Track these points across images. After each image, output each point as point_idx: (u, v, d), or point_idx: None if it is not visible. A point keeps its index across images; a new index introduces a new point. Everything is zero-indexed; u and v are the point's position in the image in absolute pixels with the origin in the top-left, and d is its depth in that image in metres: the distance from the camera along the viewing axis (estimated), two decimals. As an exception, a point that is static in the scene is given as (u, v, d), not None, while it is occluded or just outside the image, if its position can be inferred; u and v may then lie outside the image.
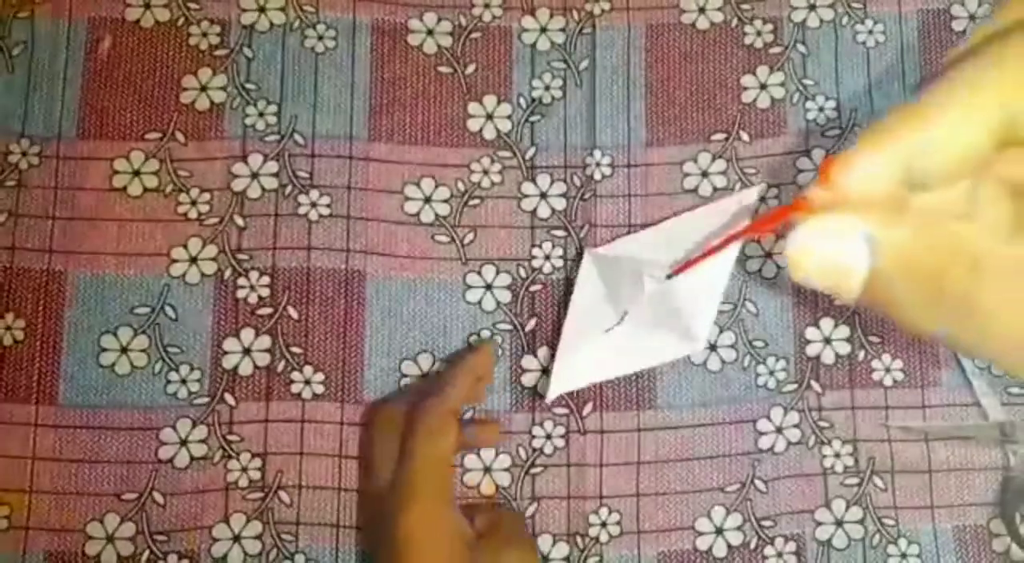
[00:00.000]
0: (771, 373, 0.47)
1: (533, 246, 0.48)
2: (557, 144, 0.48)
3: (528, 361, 0.47)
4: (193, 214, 0.47)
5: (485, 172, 0.48)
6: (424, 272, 0.47)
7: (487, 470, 0.46)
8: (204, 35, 0.49)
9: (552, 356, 0.46)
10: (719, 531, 0.46)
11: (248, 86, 0.48)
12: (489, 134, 0.48)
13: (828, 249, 0.21)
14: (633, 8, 0.50)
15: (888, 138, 0.20)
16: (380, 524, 0.41)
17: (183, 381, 0.46)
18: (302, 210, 0.47)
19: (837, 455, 0.46)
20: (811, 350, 0.47)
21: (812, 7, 0.50)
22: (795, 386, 0.47)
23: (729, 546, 0.45)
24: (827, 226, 0.20)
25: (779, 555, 0.45)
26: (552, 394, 0.45)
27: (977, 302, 0.19)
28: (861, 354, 0.47)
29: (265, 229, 0.47)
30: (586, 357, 0.45)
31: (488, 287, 0.47)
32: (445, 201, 0.48)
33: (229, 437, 0.45)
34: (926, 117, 0.20)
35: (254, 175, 0.47)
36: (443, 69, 0.49)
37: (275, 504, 0.45)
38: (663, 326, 0.45)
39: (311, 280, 0.47)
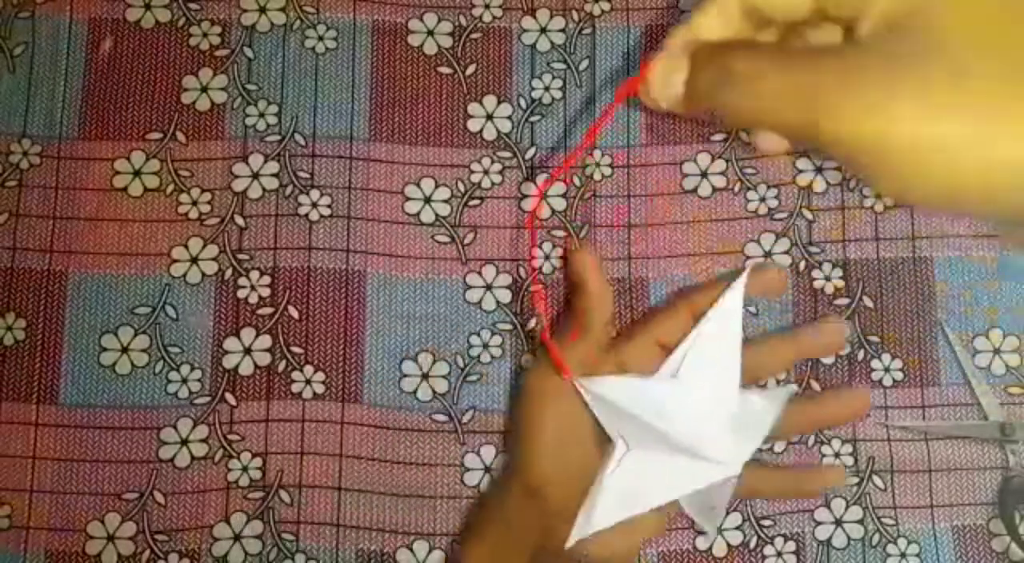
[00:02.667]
0: (771, 373, 0.47)
1: (533, 246, 0.48)
2: (557, 144, 0.49)
3: (528, 361, 0.47)
4: (194, 214, 0.47)
5: (485, 172, 0.48)
6: (424, 272, 0.47)
7: (487, 470, 0.46)
8: (205, 35, 0.49)
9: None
10: (719, 530, 0.46)
11: (249, 86, 0.48)
12: (489, 134, 0.49)
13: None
14: (633, 9, 0.50)
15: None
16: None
17: (184, 381, 0.46)
18: (303, 210, 0.47)
19: (836, 455, 0.46)
20: (811, 350, 0.47)
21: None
22: (794, 386, 0.47)
23: (729, 545, 0.46)
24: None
25: (779, 555, 0.45)
26: (571, 541, 0.40)
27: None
28: (860, 354, 0.47)
29: (266, 229, 0.47)
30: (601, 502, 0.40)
31: (488, 287, 0.47)
32: (445, 201, 0.48)
33: (230, 436, 0.45)
34: None
35: (255, 175, 0.47)
36: (443, 69, 0.49)
37: (276, 503, 0.45)
38: (679, 453, 0.40)
39: (311, 280, 0.47)
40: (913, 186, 0.25)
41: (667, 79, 0.31)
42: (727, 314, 0.40)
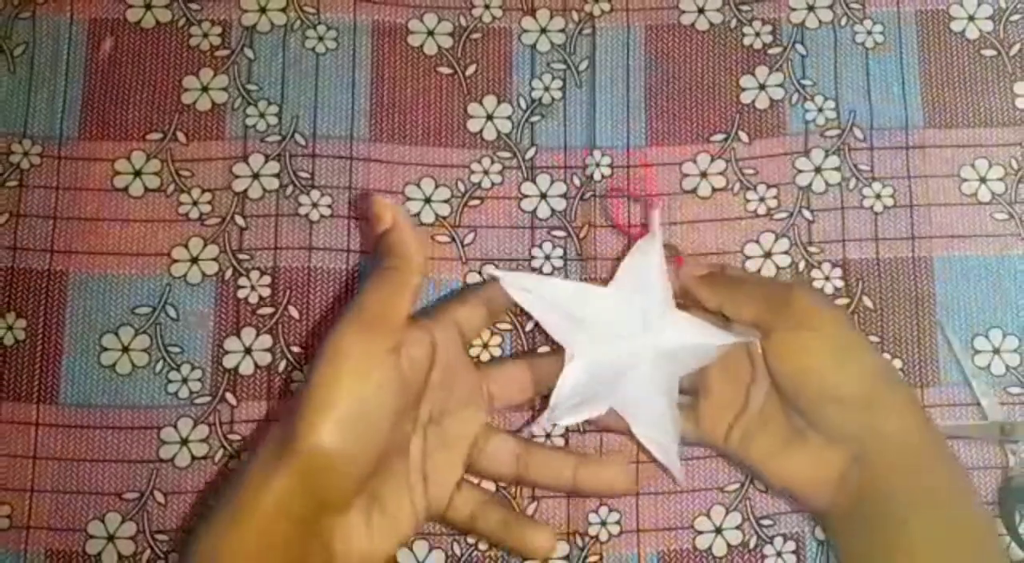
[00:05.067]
0: (771, 373, 0.47)
1: (533, 246, 0.48)
2: (557, 144, 0.49)
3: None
4: (194, 214, 0.47)
5: (485, 172, 0.48)
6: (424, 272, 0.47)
7: (487, 469, 0.46)
8: (205, 36, 0.49)
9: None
10: (718, 530, 0.46)
11: (249, 87, 0.48)
12: (489, 134, 0.49)
13: None
14: (633, 9, 0.50)
15: None
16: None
17: (184, 380, 0.46)
18: (303, 210, 0.47)
19: (837, 454, 0.46)
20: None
21: (811, 8, 0.50)
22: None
23: (728, 545, 0.46)
24: None
25: (778, 554, 0.45)
26: (536, 430, 0.45)
27: None
28: (860, 354, 0.47)
29: (266, 229, 0.47)
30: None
31: (488, 287, 0.47)
32: (445, 201, 0.48)
33: (230, 436, 0.45)
34: None
35: (255, 175, 0.48)
36: (443, 70, 0.49)
37: (276, 503, 0.45)
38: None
39: (312, 280, 0.47)
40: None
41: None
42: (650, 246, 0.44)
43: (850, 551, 0.40)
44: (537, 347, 0.47)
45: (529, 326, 0.47)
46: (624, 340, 0.43)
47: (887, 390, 0.41)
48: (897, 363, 0.47)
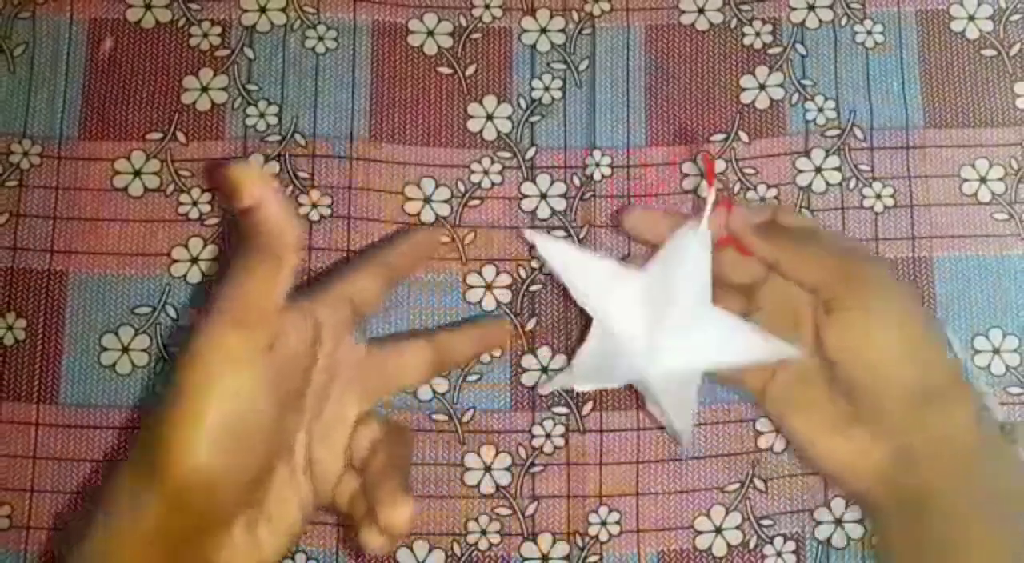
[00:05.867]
0: (771, 373, 0.47)
1: (533, 246, 0.48)
2: (557, 144, 0.49)
3: (528, 361, 0.47)
4: (194, 214, 0.47)
5: (485, 172, 0.48)
6: (424, 272, 0.47)
7: (487, 469, 0.46)
8: (205, 36, 0.49)
9: (552, 356, 0.47)
10: (718, 530, 0.46)
11: (249, 87, 0.48)
12: (489, 134, 0.49)
13: None
14: (633, 9, 0.50)
15: None
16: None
17: (184, 381, 0.46)
18: (303, 210, 0.47)
19: (836, 454, 0.46)
20: (810, 350, 0.47)
21: (811, 7, 0.50)
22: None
23: (728, 545, 0.46)
24: None
25: (778, 554, 0.45)
26: (547, 389, 0.45)
27: None
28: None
29: (266, 229, 0.47)
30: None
31: (488, 287, 0.47)
32: (445, 201, 0.48)
33: (230, 436, 0.45)
34: None
35: (255, 175, 0.47)
36: (443, 69, 0.49)
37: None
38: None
39: (311, 280, 0.47)
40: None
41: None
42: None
43: (889, 538, 0.38)
44: (537, 347, 0.47)
45: (529, 325, 0.47)
46: (649, 327, 0.41)
47: (949, 390, 0.37)
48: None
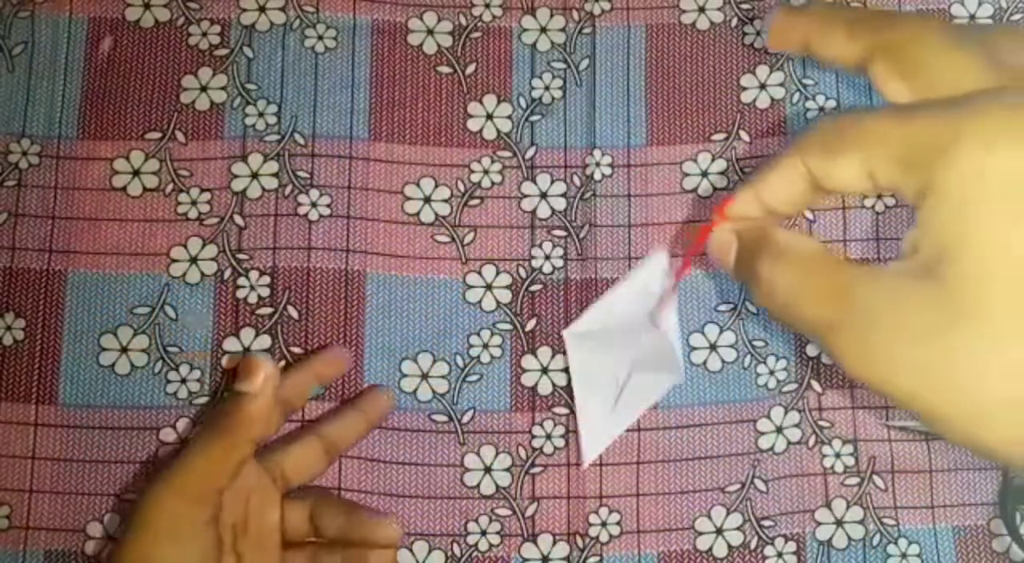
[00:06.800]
0: (771, 373, 0.47)
1: (533, 246, 0.48)
2: (557, 144, 0.49)
3: (528, 361, 0.47)
4: (193, 214, 0.47)
5: (485, 172, 0.48)
6: (424, 272, 0.47)
7: (487, 470, 0.46)
8: (204, 35, 0.49)
9: (552, 356, 0.46)
10: (719, 531, 0.46)
11: (248, 86, 0.48)
12: (489, 134, 0.49)
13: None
14: (633, 8, 0.50)
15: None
16: None
17: (183, 381, 0.46)
18: (302, 210, 0.47)
19: (837, 455, 0.46)
20: (811, 350, 0.47)
21: (812, 7, 0.50)
22: (795, 386, 0.47)
23: (729, 546, 0.45)
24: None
25: (779, 555, 0.45)
26: (588, 459, 0.45)
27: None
28: (861, 354, 0.47)
29: (265, 229, 0.47)
30: (606, 417, 0.45)
31: (488, 287, 0.47)
32: (445, 201, 0.48)
33: (229, 437, 0.45)
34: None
35: (254, 175, 0.47)
36: (443, 69, 0.49)
37: (275, 504, 0.45)
38: (662, 370, 0.44)
39: (311, 280, 0.47)
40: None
41: (723, 247, 0.33)
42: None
43: None
44: (537, 347, 0.47)
45: (529, 326, 0.47)
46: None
47: None
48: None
